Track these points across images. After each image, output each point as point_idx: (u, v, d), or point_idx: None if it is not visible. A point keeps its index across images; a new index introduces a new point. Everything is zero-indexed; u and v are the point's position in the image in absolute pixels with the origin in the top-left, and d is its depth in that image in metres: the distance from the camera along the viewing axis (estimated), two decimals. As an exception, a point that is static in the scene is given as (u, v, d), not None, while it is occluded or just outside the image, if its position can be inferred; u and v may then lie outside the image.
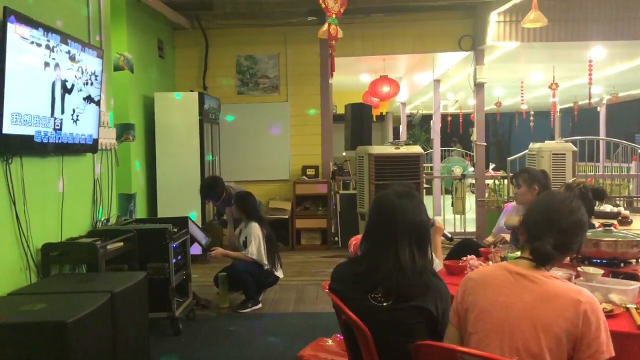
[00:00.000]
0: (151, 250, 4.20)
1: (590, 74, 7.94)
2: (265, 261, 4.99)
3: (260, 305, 5.08)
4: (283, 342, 4.16)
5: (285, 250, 7.47)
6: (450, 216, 8.45)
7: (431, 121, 10.81)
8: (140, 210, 6.52)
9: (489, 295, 1.83)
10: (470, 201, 8.63)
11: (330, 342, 2.91)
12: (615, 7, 6.94)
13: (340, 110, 10.13)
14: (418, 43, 7.95)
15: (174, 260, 4.29)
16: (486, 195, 8.36)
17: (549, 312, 1.69)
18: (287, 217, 7.70)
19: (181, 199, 6.74)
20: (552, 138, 12.55)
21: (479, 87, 7.83)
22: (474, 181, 8.90)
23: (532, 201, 1.99)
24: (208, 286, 5.43)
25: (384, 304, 1.96)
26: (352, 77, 11.24)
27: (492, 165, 13.08)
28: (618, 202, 7.86)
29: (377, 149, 7.02)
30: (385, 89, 9.67)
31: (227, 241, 5.59)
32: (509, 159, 8.35)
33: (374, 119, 11.76)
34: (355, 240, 2.92)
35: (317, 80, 8.00)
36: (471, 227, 8.17)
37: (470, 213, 8.45)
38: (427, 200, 9.02)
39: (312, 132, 8.06)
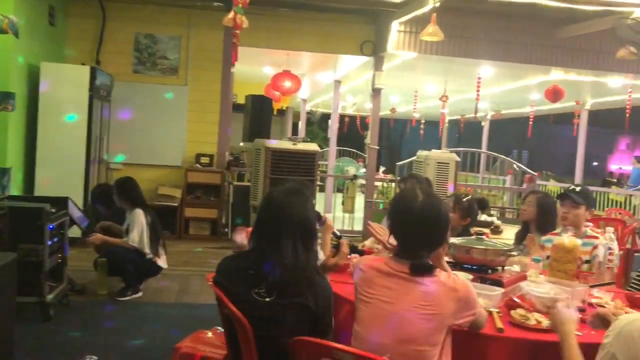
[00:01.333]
0: (24, 231, 3.92)
1: (478, 90, 8.48)
2: (147, 249, 4.82)
3: (140, 294, 4.91)
4: (163, 333, 4.05)
5: (171, 239, 7.27)
6: (340, 214, 8.66)
7: (329, 120, 11.01)
8: (15, 187, 6.06)
9: (375, 289, 1.91)
10: (360, 201, 8.89)
11: (210, 334, 2.88)
12: (505, 31, 7.46)
13: (241, 100, 10.03)
14: (322, 42, 8.06)
15: (49, 243, 4.04)
16: (375, 196, 8.66)
17: (433, 304, 1.82)
18: (176, 204, 7.50)
19: (62, 177, 6.34)
20: (440, 147, 13.27)
21: (376, 92, 8.09)
22: (364, 182, 9.18)
23: (406, 209, 1.98)
24: (86, 271, 5.16)
25: (267, 300, 1.97)
26: (255, 68, 11.15)
27: (382, 169, 13.57)
28: (492, 213, 8.46)
29: (274, 143, 7.03)
30: (287, 84, 9.69)
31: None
32: (398, 163, 8.71)
33: (274, 113, 11.78)
34: (241, 229, 2.90)
35: (218, 67, 7.85)
36: (358, 226, 8.43)
37: (359, 212, 8.72)
38: (320, 198, 9.23)
39: (209, 120, 7.91)
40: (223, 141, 7.96)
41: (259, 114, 7.94)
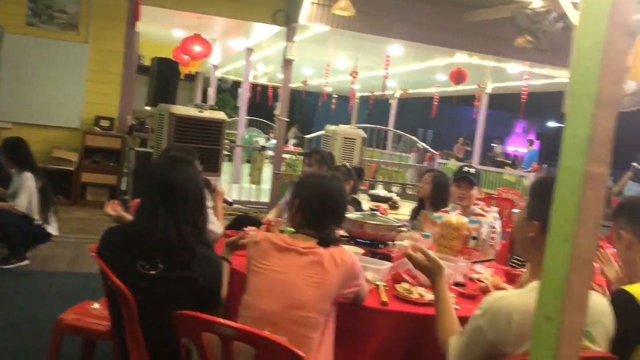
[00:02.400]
0: None
1: (386, 68, 8.64)
2: (36, 215, 4.55)
3: (27, 262, 4.65)
4: (51, 303, 3.85)
5: (66, 204, 6.93)
6: (247, 185, 8.60)
7: (239, 89, 10.83)
8: None
9: (269, 261, 1.93)
10: (267, 173, 8.87)
11: (96, 305, 2.78)
12: (415, 12, 7.62)
13: (149, 62, 9.60)
14: (233, 8, 7.86)
15: None
16: (282, 168, 8.67)
17: (321, 274, 1.87)
18: (72, 169, 7.12)
19: (-59, 135, 5.82)
20: (350, 122, 13.46)
21: (287, 63, 8.02)
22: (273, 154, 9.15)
23: (307, 186, 2.08)
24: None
25: (152, 272, 1.92)
26: (165, 30, 10.72)
27: (292, 141, 13.59)
28: (394, 189, 8.74)
29: (179, 109, 6.79)
30: (197, 48, 9.38)
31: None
32: (306, 136, 8.75)
33: (182, 78, 11.39)
34: (112, 202, 2.81)
35: (122, 26, 7.46)
36: (265, 198, 8.43)
37: (266, 184, 8.70)
38: (228, 168, 9.12)
39: (111, 81, 7.52)
40: (125, 104, 7.61)
41: (165, 77, 7.65)
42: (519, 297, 1.65)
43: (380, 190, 5.46)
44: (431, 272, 1.94)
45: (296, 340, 1.72)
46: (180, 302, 1.89)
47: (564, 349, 1.31)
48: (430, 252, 1.98)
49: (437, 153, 11.29)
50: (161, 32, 10.92)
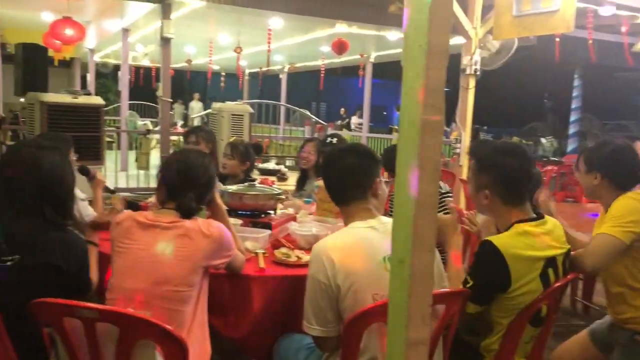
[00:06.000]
0: None
1: (269, 42, 8.58)
2: None
3: None
4: None
5: None
6: (135, 171, 8.29)
7: (119, 72, 10.34)
8: None
9: (131, 239, 1.89)
10: (156, 157, 8.58)
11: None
12: (292, -17, 7.60)
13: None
14: (102, -14, 7.44)
15: None
16: (171, 151, 8.42)
17: (188, 247, 1.85)
18: None
19: None
20: (243, 99, 13.33)
21: (165, 41, 7.71)
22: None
23: (169, 160, 2.10)
24: None
25: (8, 263, 1.81)
26: (32, 14, 9.93)
27: (180, 122, 13.22)
28: (287, 162, 8.80)
29: (51, 97, 6.35)
30: (69, 32, 8.79)
31: None
32: (192, 116, 8.55)
33: (56, 64, 10.68)
34: None
35: (-24, 10, 6.83)
36: (154, 183, 8.15)
37: (155, 169, 8.43)
38: (111, 155, 8.72)
39: (-30, 72, 6.90)
40: (-11, 96, 7.02)
41: (33, 64, 7.12)
42: (334, 237, 1.91)
43: (270, 164, 5.48)
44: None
45: (166, 316, 1.70)
46: (45, 290, 1.78)
47: (416, 288, 1.40)
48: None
49: (327, 124, 11.47)
50: (28, 16, 10.12)
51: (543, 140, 13.23)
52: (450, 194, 3.29)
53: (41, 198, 1.87)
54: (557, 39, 7.04)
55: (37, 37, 9.56)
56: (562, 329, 3.22)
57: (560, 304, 2.15)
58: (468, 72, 5.44)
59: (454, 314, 1.82)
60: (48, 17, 9.59)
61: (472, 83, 5.46)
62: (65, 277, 1.87)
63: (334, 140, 3.74)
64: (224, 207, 2.28)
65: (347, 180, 1.95)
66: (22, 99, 8.77)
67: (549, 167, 7.92)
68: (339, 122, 16.11)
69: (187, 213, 1.93)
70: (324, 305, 1.76)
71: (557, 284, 1.98)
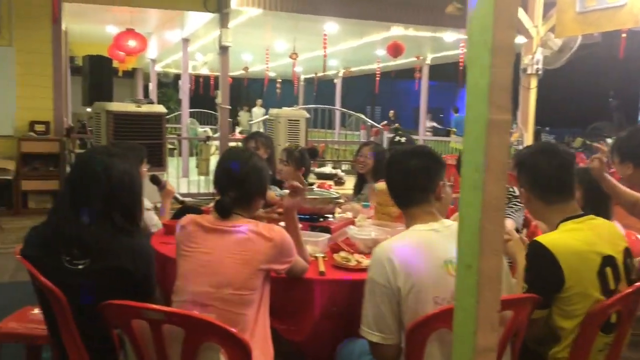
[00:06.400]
0: None
1: (324, 47, 8.62)
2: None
3: (-33, 277, 4.48)
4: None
5: (8, 215, 6.70)
6: (195, 177, 8.49)
7: (179, 81, 10.64)
8: None
9: (195, 243, 1.92)
10: (215, 163, 8.76)
11: (36, 310, 2.71)
12: (346, -12, 7.62)
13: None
14: (163, -2, 7.70)
15: None
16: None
17: (249, 250, 1.86)
18: (10, 178, 6.87)
19: None
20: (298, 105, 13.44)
21: (223, 50, 7.90)
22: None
23: (221, 159, 2.14)
24: None
25: (79, 267, 1.87)
26: (97, 27, 10.39)
27: (238, 129, 13.46)
28: (343, 166, 8.79)
29: (116, 106, 6.62)
30: (132, 43, 9.16)
31: None
32: (250, 122, 8.68)
33: (120, 75, 11.09)
34: None
35: (47, 25, 7.17)
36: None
37: (215, 174, 8.60)
38: (173, 161, 8.96)
39: (42, 84, 7.25)
40: (59, 106, 7.36)
41: (98, 75, 7.40)
42: (395, 239, 1.86)
43: (326, 168, 5.49)
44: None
45: (229, 319, 1.71)
46: (113, 293, 1.84)
47: (485, 293, 1.35)
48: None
49: (383, 128, 11.39)
50: (93, 30, 10.58)
51: (609, 140, 12.67)
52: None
53: (111, 204, 1.92)
54: (624, 35, 6.72)
55: (103, 50, 9.98)
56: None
57: (637, 311, 2.04)
58: (529, 71, 5.29)
59: (522, 320, 1.76)
60: (112, 29, 10.00)
61: (533, 83, 5.31)
62: (133, 280, 1.92)
63: (402, 139, 3.65)
64: (297, 218, 2.22)
65: (411, 182, 1.91)
66: (88, 109, 9.18)
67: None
68: (384, 123, 15.88)
69: (221, 211, 1.94)
70: (385, 309, 1.74)
71: (629, 290, 1.89)
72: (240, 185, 1.99)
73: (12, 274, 4.71)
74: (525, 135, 5.37)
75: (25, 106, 7.16)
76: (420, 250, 1.78)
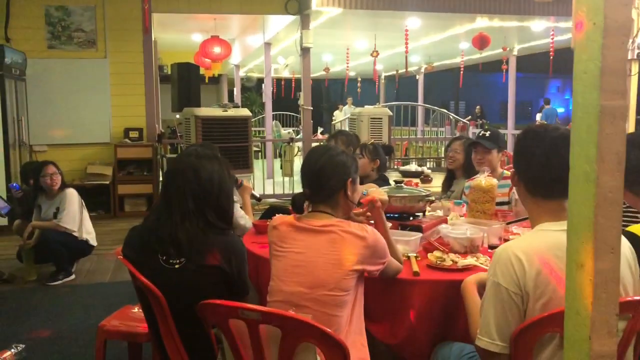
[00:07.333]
0: None
1: (406, 43, 8.47)
2: (82, 230, 4.69)
3: (73, 277, 4.76)
4: (97, 314, 3.93)
5: (106, 218, 7.09)
6: (281, 179, 8.62)
7: (263, 84, 10.84)
8: None
9: (288, 243, 1.92)
10: (299, 164, 8.86)
11: (136, 309, 2.82)
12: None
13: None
14: (245, 3, 7.85)
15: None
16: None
17: (341, 251, 1.83)
18: (108, 182, 7.27)
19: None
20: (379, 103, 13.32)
21: (305, 51, 7.97)
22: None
23: (306, 157, 2.13)
24: (12, 259, 4.96)
25: (176, 266, 1.92)
26: (183, 36, 10.81)
27: (320, 130, 13.54)
28: (428, 164, 8.60)
29: (203, 111, 6.83)
30: (217, 49, 9.43)
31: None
32: (333, 122, 8.69)
33: (206, 81, 11.47)
34: None
35: (139, 37, 7.54)
36: (299, 189, 8.40)
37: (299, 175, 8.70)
38: (258, 163, 9.16)
39: (135, 92, 7.62)
40: (151, 113, 7.71)
41: (186, 82, 7.67)
42: (521, 239, 1.69)
43: (411, 166, 5.38)
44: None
45: (323, 320, 1.68)
46: (210, 292, 1.87)
47: (600, 295, 1.24)
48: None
49: (469, 122, 11.06)
50: (180, 39, 11.02)
51: None
52: None
53: (203, 203, 1.96)
54: None
55: (189, 57, 10.36)
56: None
57: None
58: (630, 56, 4.92)
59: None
60: (197, 37, 10.37)
61: (635, 69, 4.94)
62: (227, 279, 1.94)
63: (486, 133, 3.49)
64: (384, 217, 2.16)
65: (555, 172, 1.60)
66: (177, 115, 9.56)
67: None
68: (469, 119, 15.38)
69: (293, 205, 1.97)
70: (512, 318, 1.56)
71: None
72: (315, 179, 1.97)
73: (113, 274, 4.97)
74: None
75: (120, 114, 7.56)
76: (550, 253, 1.57)
